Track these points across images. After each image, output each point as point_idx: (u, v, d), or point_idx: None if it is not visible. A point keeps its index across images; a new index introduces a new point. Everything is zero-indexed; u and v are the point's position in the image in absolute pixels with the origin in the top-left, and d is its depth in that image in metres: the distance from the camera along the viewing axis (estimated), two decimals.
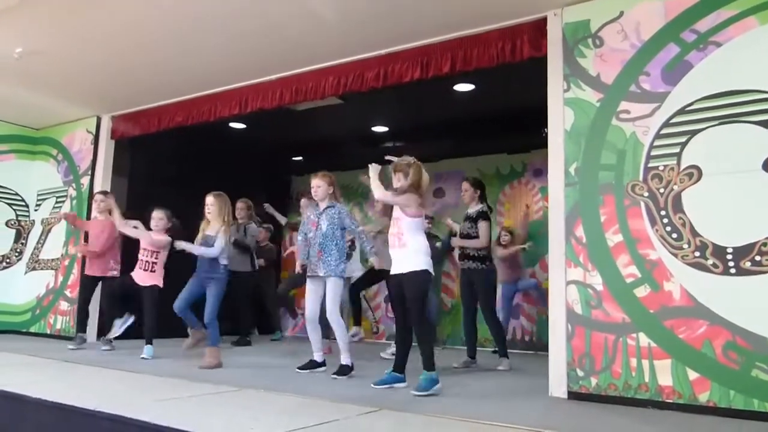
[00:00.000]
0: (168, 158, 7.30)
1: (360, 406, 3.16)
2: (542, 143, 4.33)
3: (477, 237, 5.10)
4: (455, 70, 4.66)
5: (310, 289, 4.63)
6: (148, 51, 5.28)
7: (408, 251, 3.90)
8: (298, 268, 4.78)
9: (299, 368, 4.62)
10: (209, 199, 4.95)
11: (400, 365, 3.99)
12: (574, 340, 3.78)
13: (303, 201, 5.82)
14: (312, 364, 4.64)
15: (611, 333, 3.65)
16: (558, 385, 3.81)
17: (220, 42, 5.03)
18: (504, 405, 3.54)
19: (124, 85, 6.16)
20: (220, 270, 4.85)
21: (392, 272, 4.00)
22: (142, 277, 5.37)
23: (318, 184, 4.67)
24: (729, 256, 3.36)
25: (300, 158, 9.13)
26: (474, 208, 5.22)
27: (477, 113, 6.64)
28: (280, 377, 4.32)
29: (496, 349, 5.38)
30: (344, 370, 4.35)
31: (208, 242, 4.82)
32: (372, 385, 3.88)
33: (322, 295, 4.58)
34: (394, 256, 3.99)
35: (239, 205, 6.74)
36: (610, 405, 3.53)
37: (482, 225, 5.10)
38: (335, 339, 4.54)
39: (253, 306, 7.17)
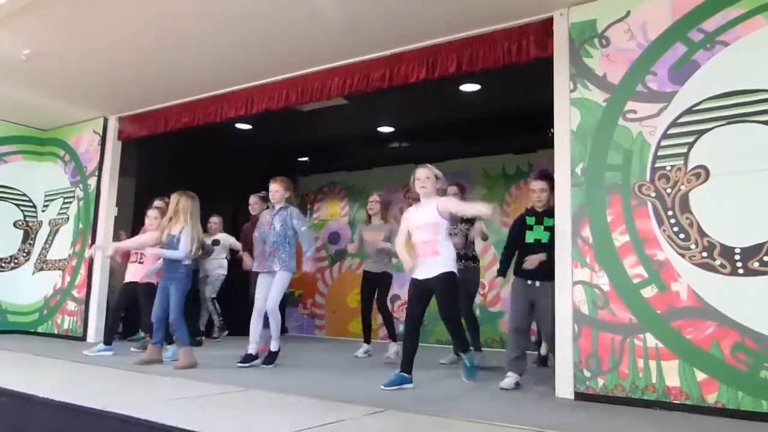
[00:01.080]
0: (174, 159, 7.32)
1: (366, 407, 3.16)
2: (548, 143, 4.32)
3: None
4: (461, 70, 4.66)
5: (262, 283, 4.92)
6: (155, 52, 5.30)
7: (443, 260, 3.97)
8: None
9: (239, 363, 4.77)
10: (173, 197, 4.92)
11: (408, 366, 3.98)
12: (580, 340, 3.77)
13: (252, 198, 6.15)
14: (248, 358, 4.81)
15: (618, 333, 3.64)
16: (565, 386, 3.80)
17: (226, 43, 5.04)
18: (510, 405, 3.54)
19: (130, 86, 6.18)
20: (181, 270, 4.78)
21: (419, 277, 4.02)
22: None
23: (275, 189, 5.01)
24: (737, 257, 3.35)
25: (306, 158, 9.14)
26: None
27: (483, 113, 6.64)
28: (285, 377, 4.32)
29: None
30: (272, 358, 4.84)
31: (171, 241, 4.78)
32: (381, 387, 3.86)
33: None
34: (423, 264, 4.00)
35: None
36: (617, 406, 3.51)
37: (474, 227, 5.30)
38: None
39: None
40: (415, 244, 4.09)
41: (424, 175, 4.10)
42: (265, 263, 4.92)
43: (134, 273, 5.49)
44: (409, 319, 4.05)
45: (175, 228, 4.82)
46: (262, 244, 5.00)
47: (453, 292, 4.01)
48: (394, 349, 5.40)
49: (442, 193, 4.99)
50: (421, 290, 4.02)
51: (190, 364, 4.63)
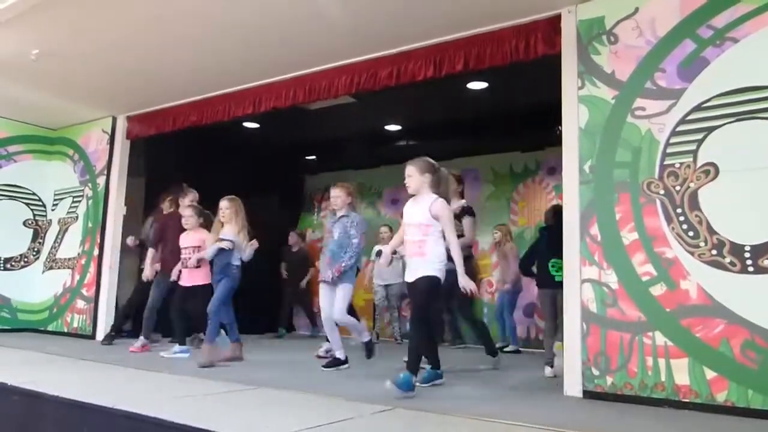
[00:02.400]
0: (182, 158, 7.35)
1: (374, 405, 3.16)
2: (556, 141, 4.31)
3: (460, 235, 4.73)
4: (468, 68, 4.65)
5: (324, 293, 4.78)
6: (163, 52, 5.32)
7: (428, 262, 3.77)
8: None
9: (324, 366, 4.70)
10: (223, 203, 5.01)
11: (435, 361, 4.04)
12: (589, 338, 3.76)
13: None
14: (335, 362, 4.72)
15: (627, 332, 3.62)
16: (573, 384, 3.79)
17: (234, 42, 5.06)
18: (519, 404, 3.53)
19: (139, 85, 6.21)
20: (232, 270, 4.91)
21: (408, 279, 3.88)
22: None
23: (336, 194, 4.83)
24: (747, 254, 3.32)
25: (313, 157, 9.16)
26: (456, 204, 4.85)
27: (490, 111, 6.63)
28: (294, 375, 4.34)
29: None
30: (369, 349, 4.83)
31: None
32: (418, 384, 3.68)
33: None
34: (410, 264, 3.87)
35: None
36: (625, 404, 3.50)
37: (467, 221, 4.89)
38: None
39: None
40: (405, 242, 3.93)
41: (406, 172, 3.93)
42: (326, 273, 4.76)
43: (191, 277, 5.37)
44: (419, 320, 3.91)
45: (226, 232, 4.93)
46: (325, 253, 4.89)
47: (427, 297, 3.76)
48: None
49: (458, 195, 4.97)
50: (410, 293, 3.99)
51: (208, 362, 4.61)
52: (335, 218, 4.84)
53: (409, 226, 3.86)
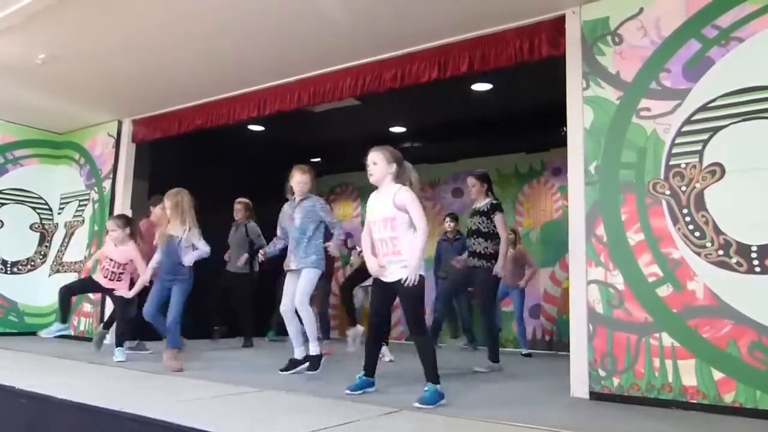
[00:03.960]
0: (188, 161, 7.37)
1: (380, 407, 3.17)
2: (561, 142, 4.30)
3: (490, 232, 4.91)
4: (473, 69, 4.65)
5: (288, 282, 4.61)
6: (168, 55, 5.34)
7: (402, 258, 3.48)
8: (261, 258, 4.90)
9: (281, 370, 4.50)
10: (166, 201, 4.85)
11: (371, 370, 3.74)
12: (595, 340, 3.75)
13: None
14: (292, 364, 4.53)
15: (633, 333, 3.61)
16: (580, 386, 3.79)
17: (239, 45, 5.07)
18: (525, 405, 3.52)
19: (144, 89, 6.24)
20: (183, 272, 4.74)
21: (383, 278, 3.58)
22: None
23: (304, 180, 4.67)
24: (753, 255, 3.31)
25: (318, 159, 9.16)
26: (483, 202, 5.02)
27: (495, 112, 6.63)
28: (299, 377, 4.33)
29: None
30: (315, 363, 4.44)
31: (172, 243, 4.73)
32: (347, 392, 3.60)
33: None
34: (390, 263, 3.53)
35: (237, 206, 6.85)
36: (632, 405, 3.49)
37: (498, 218, 4.92)
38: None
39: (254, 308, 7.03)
40: (374, 241, 3.59)
41: (370, 159, 3.59)
42: (290, 261, 4.57)
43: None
44: (372, 321, 3.74)
45: (175, 229, 4.75)
46: (287, 240, 4.70)
47: (421, 302, 3.53)
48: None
49: (485, 194, 4.93)
50: (384, 291, 3.62)
51: (176, 367, 4.52)
52: (294, 203, 4.67)
53: (375, 223, 3.56)
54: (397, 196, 3.48)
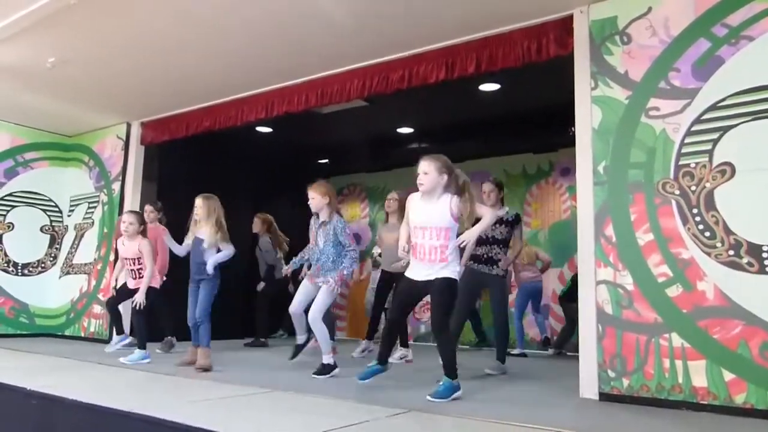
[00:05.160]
0: (196, 163, 7.39)
1: (388, 408, 3.16)
2: (569, 142, 4.29)
3: (507, 240, 4.96)
4: (480, 70, 4.63)
5: (303, 287, 4.69)
6: (177, 58, 5.37)
7: (449, 266, 3.64)
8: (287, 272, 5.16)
9: (290, 359, 4.85)
10: (197, 201, 4.93)
11: (385, 358, 3.92)
12: (604, 340, 3.73)
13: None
14: (297, 349, 4.86)
15: (643, 333, 3.59)
16: (589, 387, 3.77)
17: (246, 47, 5.09)
18: (534, 407, 3.51)
19: (153, 91, 6.27)
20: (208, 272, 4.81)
21: (416, 278, 3.72)
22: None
23: (312, 196, 4.64)
24: (765, 255, 3.28)
25: (326, 160, 9.18)
26: (503, 211, 4.99)
27: (503, 113, 6.61)
28: (307, 378, 4.34)
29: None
30: (324, 370, 4.44)
31: (198, 245, 4.84)
32: (358, 380, 3.89)
33: (312, 297, 4.59)
34: (424, 267, 3.67)
35: (255, 219, 7.06)
36: (642, 407, 3.47)
37: (519, 229, 5.06)
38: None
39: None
40: (415, 245, 3.70)
41: (421, 169, 3.68)
42: (319, 277, 4.62)
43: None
44: (395, 316, 4.00)
45: (202, 232, 4.86)
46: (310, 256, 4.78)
47: (452, 301, 3.72)
48: (400, 353, 5.47)
49: (500, 203, 4.94)
50: (416, 288, 3.74)
51: (208, 365, 4.62)
52: (318, 222, 4.69)
53: (424, 230, 3.65)
54: (454, 206, 3.61)
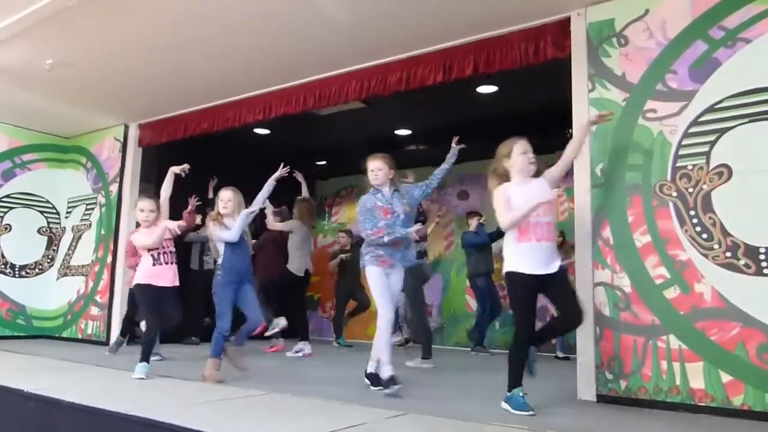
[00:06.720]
0: (194, 164, 7.37)
1: (387, 410, 3.17)
2: (567, 144, 4.28)
3: None
4: (478, 72, 4.66)
5: (385, 284, 3.93)
6: (174, 60, 5.37)
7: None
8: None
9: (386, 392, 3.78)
10: (227, 194, 4.67)
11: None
12: (602, 342, 3.74)
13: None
14: (390, 381, 3.77)
15: (640, 335, 3.60)
16: (587, 389, 3.77)
17: (244, 49, 5.09)
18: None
19: (150, 93, 6.26)
20: (217, 267, 4.54)
21: (538, 272, 3.30)
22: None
23: (379, 167, 4.06)
24: (762, 257, 3.30)
25: (324, 162, 9.18)
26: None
27: (500, 114, 6.60)
28: (306, 380, 4.34)
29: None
30: (381, 381, 3.84)
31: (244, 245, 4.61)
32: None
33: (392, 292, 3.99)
34: (544, 251, 3.32)
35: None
36: (640, 408, 3.48)
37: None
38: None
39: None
40: (528, 227, 3.32)
41: (528, 153, 3.77)
42: (389, 259, 3.95)
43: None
44: (525, 326, 3.37)
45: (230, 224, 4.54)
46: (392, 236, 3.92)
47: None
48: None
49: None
50: (534, 289, 3.35)
51: (245, 365, 4.46)
52: (389, 195, 4.06)
53: (540, 207, 3.29)
54: (549, 182, 3.55)
